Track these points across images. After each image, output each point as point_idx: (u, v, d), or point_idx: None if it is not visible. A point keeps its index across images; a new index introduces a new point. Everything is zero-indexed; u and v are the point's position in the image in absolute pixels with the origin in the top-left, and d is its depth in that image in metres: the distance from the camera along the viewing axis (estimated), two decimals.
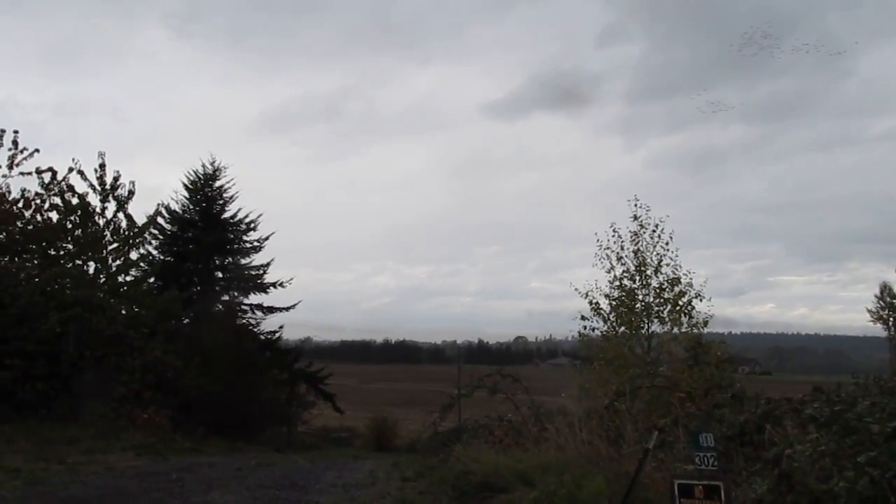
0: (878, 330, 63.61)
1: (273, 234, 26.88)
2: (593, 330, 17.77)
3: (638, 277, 17.53)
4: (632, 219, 17.84)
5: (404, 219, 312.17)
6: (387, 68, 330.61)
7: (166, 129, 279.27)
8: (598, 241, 18.03)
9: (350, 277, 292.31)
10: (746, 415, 6.84)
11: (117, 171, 18.80)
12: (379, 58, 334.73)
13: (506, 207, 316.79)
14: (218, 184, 26.53)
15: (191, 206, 26.33)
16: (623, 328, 17.41)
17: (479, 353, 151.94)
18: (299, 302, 26.91)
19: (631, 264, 17.68)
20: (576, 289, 18.04)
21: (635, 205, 17.86)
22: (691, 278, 17.29)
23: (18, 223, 16.88)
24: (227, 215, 26.45)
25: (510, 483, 7.61)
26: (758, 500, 4.74)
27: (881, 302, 62.31)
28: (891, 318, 61.76)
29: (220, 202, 26.54)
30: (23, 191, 16.95)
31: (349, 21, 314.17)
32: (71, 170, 17.84)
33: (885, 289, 62.43)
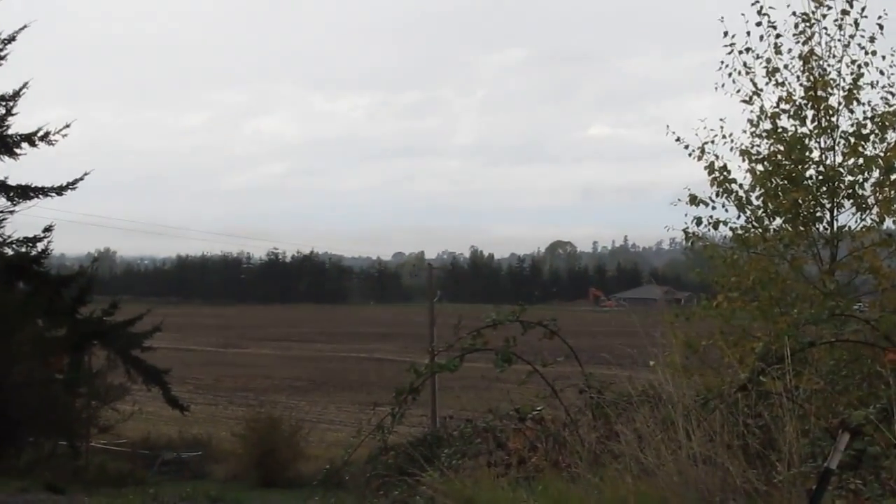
0: None
1: (26, 27, 23.69)
2: (717, 225, 14.98)
3: (812, 113, 14.32)
4: None
5: None
6: None
7: None
8: (727, 38, 14.63)
9: (200, 120, 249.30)
10: None
11: None
12: None
13: None
14: None
15: None
16: (779, 220, 14.54)
17: (474, 280, 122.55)
18: (87, 175, 22.56)
19: (795, 84, 14.50)
20: (679, 139, 15.12)
21: None
22: None
23: None
24: None
25: None
26: None
27: None
28: None
29: None
30: None
31: None
32: None
33: None
